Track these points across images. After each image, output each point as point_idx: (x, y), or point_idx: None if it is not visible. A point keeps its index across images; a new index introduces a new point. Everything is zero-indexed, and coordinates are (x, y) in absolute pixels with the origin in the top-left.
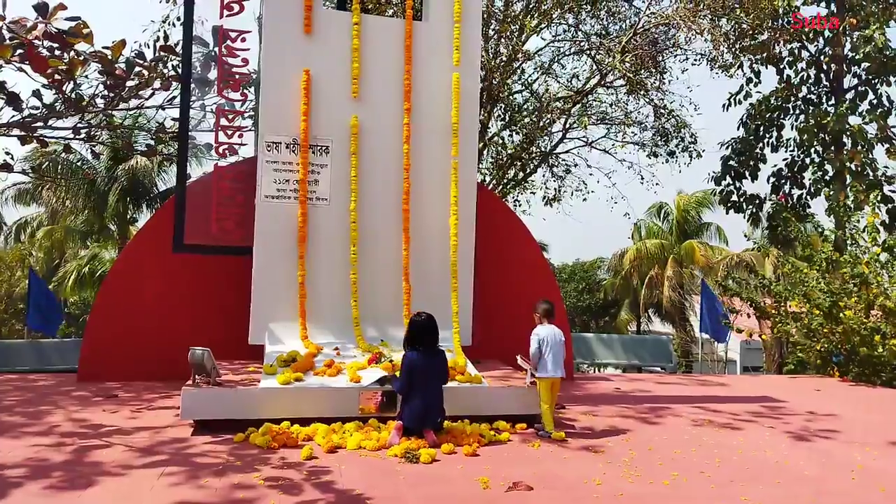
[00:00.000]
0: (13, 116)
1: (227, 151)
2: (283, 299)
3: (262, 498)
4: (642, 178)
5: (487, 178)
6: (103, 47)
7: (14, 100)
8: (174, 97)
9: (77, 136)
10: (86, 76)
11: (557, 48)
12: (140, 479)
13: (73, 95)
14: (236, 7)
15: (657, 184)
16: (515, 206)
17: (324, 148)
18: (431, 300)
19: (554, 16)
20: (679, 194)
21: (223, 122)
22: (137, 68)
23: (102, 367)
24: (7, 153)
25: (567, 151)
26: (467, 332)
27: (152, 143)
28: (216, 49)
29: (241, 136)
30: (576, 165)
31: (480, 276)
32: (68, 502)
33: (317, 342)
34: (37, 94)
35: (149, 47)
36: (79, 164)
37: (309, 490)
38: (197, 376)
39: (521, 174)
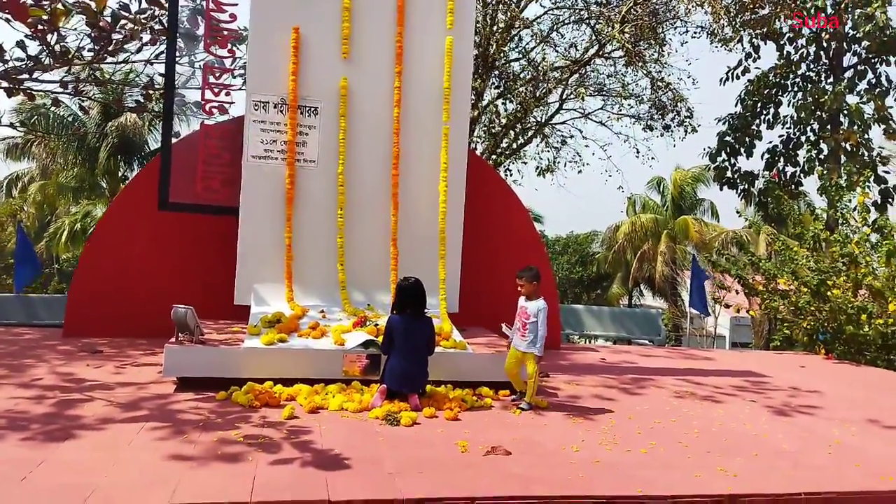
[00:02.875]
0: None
1: (214, 109)
2: (269, 261)
3: (240, 454)
4: (637, 152)
5: (480, 147)
6: None
7: None
8: (162, 52)
9: (65, 91)
10: (74, 28)
11: (556, 16)
12: (120, 433)
13: (59, 47)
14: None
15: (653, 158)
16: (507, 175)
17: (312, 109)
18: (419, 266)
19: None
20: (676, 170)
21: (210, 79)
22: (123, 21)
23: (88, 322)
24: None
25: (563, 122)
26: (454, 299)
27: (141, 99)
28: (203, 3)
29: (228, 94)
30: (571, 137)
31: (469, 243)
32: (45, 453)
33: (302, 304)
34: (20, 44)
35: (138, 2)
36: (69, 119)
37: (288, 448)
38: (180, 334)
39: (515, 144)
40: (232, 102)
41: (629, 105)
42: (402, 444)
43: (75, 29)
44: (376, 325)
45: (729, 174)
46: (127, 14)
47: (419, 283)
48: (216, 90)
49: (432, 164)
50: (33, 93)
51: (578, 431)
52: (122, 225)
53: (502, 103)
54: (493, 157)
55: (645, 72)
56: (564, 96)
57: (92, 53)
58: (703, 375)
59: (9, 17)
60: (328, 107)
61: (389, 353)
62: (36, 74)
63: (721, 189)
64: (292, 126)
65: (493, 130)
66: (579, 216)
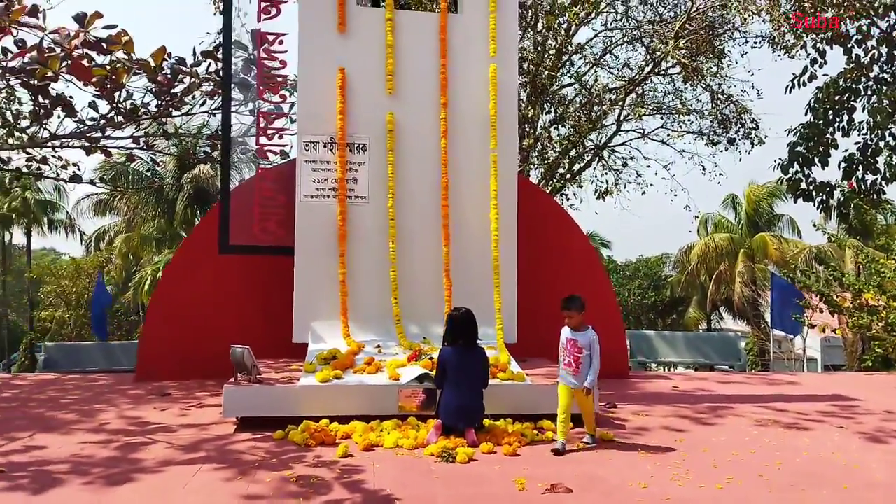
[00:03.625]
0: (76, 128)
1: (269, 154)
2: (325, 297)
3: (291, 495)
4: (704, 169)
5: (535, 175)
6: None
7: (69, 108)
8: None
9: (137, 146)
10: (140, 87)
11: (608, 38)
12: (176, 476)
13: (128, 105)
14: (273, 10)
15: (721, 174)
16: (563, 200)
17: (361, 146)
18: (473, 296)
19: (602, 5)
20: (750, 185)
21: (264, 124)
22: (181, 75)
23: (158, 366)
24: (74, 164)
25: (622, 144)
26: (511, 329)
27: (208, 149)
28: (255, 53)
29: (282, 137)
30: (632, 158)
31: (525, 270)
32: (103, 497)
33: (358, 340)
34: (92, 104)
35: (194, 55)
36: (148, 173)
37: (338, 489)
38: (238, 374)
39: (572, 169)
40: (285, 145)
41: (689, 121)
42: (456, 481)
43: (136, 87)
44: (431, 357)
45: (803, 186)
46: (184, 67)
47: (470, 312)
48: (270, 135)
49: (482, 192)
50: (109, 150)
51: (647, 465)
52: (187, 270)
53: (555, 129)
54: (550, 183)
55: (704, 86)
56: (622, 117)
57: (156, 109)
58: (786, 401)
59: (75, 79)
60: (376, 142)
61: (443, 386)
62: (109, 132)
63: (795, 202)
64: (342, 163)
65: (548, 157)
66: (647, 239)
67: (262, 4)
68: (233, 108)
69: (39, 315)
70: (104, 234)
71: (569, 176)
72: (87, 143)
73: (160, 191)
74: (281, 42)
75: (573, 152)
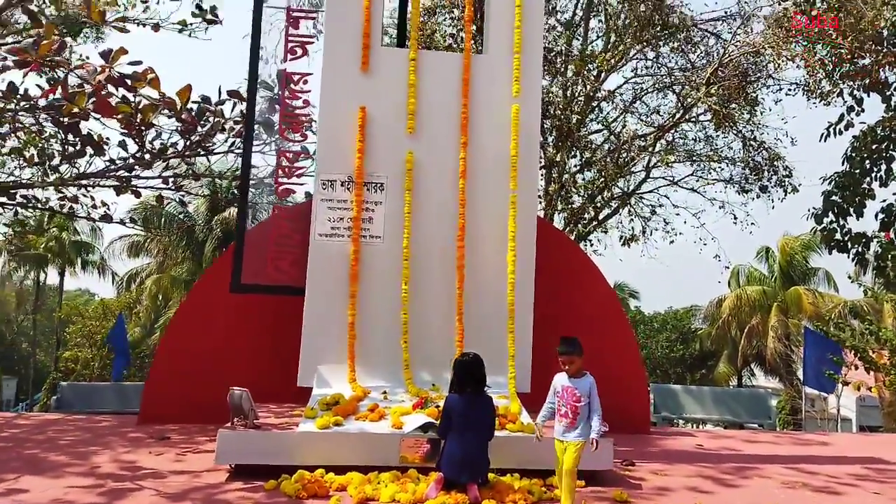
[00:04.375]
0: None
1: (288, 192)
2: (334, 340)
3: None
4: (735, 218)
5: (559, 220)
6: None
7: (97, 146)
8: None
9: (167, 186)
10: (168, 126)
11: (638, 85)
12: None
13: (157, 144)
14: (299, 51)
15: (752, 223)
16: (587, 245)
17: (378, 185)
18: (487, 342)
19: (632, 52)
20: (784, 237)
21: (284, 163)
22: (206, 114)
23: (162, 409)
24: (104, 204)
25: (651, 191)
26: (525, 378)
27: (236, 192)
28: (280, 93)
29: (300, 177)
30: (661, 206)
31: (542, 317)
32: None
33: (365, 385)
34: (122, 144)
35: (219, 95)
36: (180, 216)
37: None
38: (235, 418)
39: (599, 215)
40: (303, 184)
41: (720, 168)
42: None
43: (169, 127)
44: (437, 406)
45: (838, 236)
46: (209, 106)
47: (478, 358)
48: (290, 174)
49: (500, 234)
50: (138, 190)
51: None
52: (198, 312)
53: (581, 175)
54: (576, 229)
55: (735, 132)
56: (650, 164)
57: (182, 148)
58: (817, 463)
59: (99, 115)
60: (394, 182)
61: (447, 436)
62: (137, 171)
63: (830, 253)
64: (358, 202)
65: (573, 203)
66: (676, 290)
67: (290, 45)
68: (256, 149)
69: (64, 355)
70: (136, 276)
71: (595, 223)
72: (117, 183)
73: (191, 233)
74: (305, 82)
75: (599, 199)
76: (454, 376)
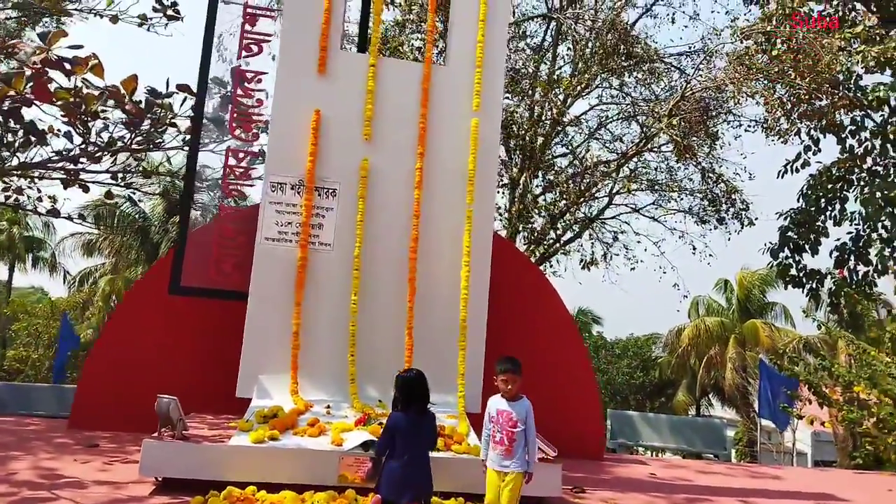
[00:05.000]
0: (49, 158)
1: (233, 192)
2: (277, 350)
3: None
4: (694, 249)
5: (521, 243)
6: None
7: (40, 136)
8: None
9: (115, 182)
10: (116, 119)
11: (603, 112)
12: None
13: (105, 137)
14: (255, 48)
15: (710, 255)
16: (547, 266)
17: (330, 191)
18: (437, 359)
19: (598, 80)
20: (742, 270)
21: (232, 162)
22: (154, 108)
23: (94, 414)
24: (51, 198)
25: (613, 217)
26: (475, 397)
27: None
28: (233, 90)
29: (248, 177)
30: (622, 232)
31: (495, 336)
32: None
33: (308, 398)
34: (67, 135)
35: (166, 87)
36: (135, 216)
37: None
38: (162, 428)
39: (561, 239)
40: (251, 185)
41: (679, 198)
42: None
43: (116, 120)
44: (381, 423)
45: (794, 272)
46: (155, 99)
47: (422, 374)
48: (238, 172)
49: (455, 248)
50: (87, 184)
51: None
52: (137, 314)
53: (543, 197)
54: (537, 251)
55: (695, 163)
56: (613, 191)
57: (128, 142)
58: (767, 497)
59: (37, 100)
60: (347, 189)
61: (388, 455)
62: (84, 164)
63: (785, 287)
64: (308, 207)
65: (534, 224)
66: (636, 316)
67: (245, 42)
68: (207, 147)
69: (8, 354)
70: (89, 276)
71: (557, 245)
72: (64, 176)
73: (146, 233)
74: (259, 81)
75: (561, 222)
76: (399, 393)
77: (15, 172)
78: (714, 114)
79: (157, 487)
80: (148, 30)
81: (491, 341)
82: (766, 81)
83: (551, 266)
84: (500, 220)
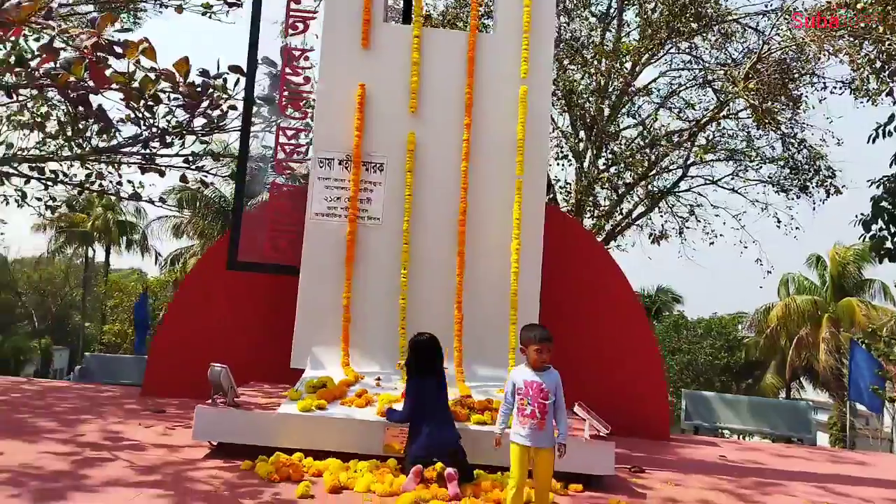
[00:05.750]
0: (119, 144)
1: (286, 169)
2: (328, 322)
3: None
4: (778, 222)
5: (589, 222)
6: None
7: (108, 121)
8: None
9: (187, 166)
10: (173, 105)
11: (675, 79)
12: (110, 499)
13: (170, 121)
14: (300, 26)
15: (797, 228)
16: (613, 244)
17: (377, 165)
18: (488, 332)
19: (667, 45)
20: (835, 246)
21: (283, 139)
22: (209, 89)
23: (163, 382)
24: (130, 182)
25: (688, 190)
26: None
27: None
28: (281, 69)
29: (298, 153)
30: (699, 205)
31: (549, 310)
32: None
33: (360, 370)
34: (136, 120)
35: (217, 68)
36: (216, 198)
37: None
38: (215, 395)
39: (632, 214)
40: (301, 162)
41: (756, 167)
42: None
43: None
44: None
45: (889, 245)
46: (210, 80)
47: (435, 338)
48: (288, 150)
49: (505, 220)
50: (161, 169)
51: None
52: (201, 288)
53: (609, 172)
54: (605, 226)
55: (773, 129)
56: (689, 162)
57: (186, 125)
58: (850, 484)
59: (94, 85)
60: (394, 162)
61: (414, 420)
62: (155, 149)
63: (880, 262)
64: (356, 182)
65: (599, 199)
66: (718, 295)
67: (291, 20)
68: (260, 126)
69: (104, 329)
70: (179, 257)
71: (628, 220)
72: (141, 161)
73: (226, 215)
74: (306, 58)
75: (630, 196)
76: (416, 358)
77: (92, 158)
78: (795, 76)
79: (211, 452)
80: (210, 17)
81: (547, 316)
82: (851, 38)
83: (615, 241)
84: (563, 194)
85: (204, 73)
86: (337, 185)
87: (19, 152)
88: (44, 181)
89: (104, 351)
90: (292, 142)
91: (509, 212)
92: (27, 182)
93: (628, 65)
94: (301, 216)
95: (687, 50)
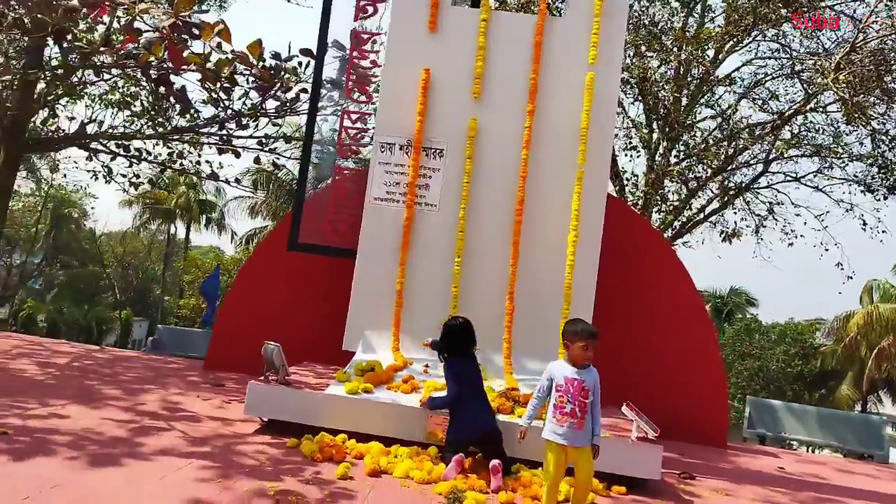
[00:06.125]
0: (195, 124)
1: (349, 153)
2: (381, 307)
3: None
4: (864, 224)
5: (657, 218)
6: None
7: (187, 102)
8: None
9: (260, 147)
10: (246, 87)
11: (760, 68)
12: (161, 467)
13: (246, 103)
14: (370, 9)
15: (883, 231)
16: (678, 238)
17: (437, 151)
18: (539, 325)
19: (754, 33)
20: None
21: (347, 123)
22: (282, 72)
23: (225, 357)
24: (208, 162)
25: (767, 186)
26: None
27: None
28: (349, 52)
29: (362, 137)
30: (779, 203)
31: (604, 306)
32: (72, 476)
33: (409, 356)
34: (214, 101)
35: (289, 51)
36: (290, 180)
37: None
38: (267, 372)
39: (705, 209)
40: (365, 146)
41: (842, 164)
42: None
43: (247, 87)
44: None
45: None
46: (282, 63)
47: (468, 322)
48: (352, 134)
49: (563, 211)
50: (237, 150)
51: None
52: (262, 267)
53: (681, 165)
54: (675, 221)
55: (863, 123)
56: (770, 156)
57: (259, 107)
58: None
59: (171, 65)
60: (454, 148)
61: (458, 405)
62: (231, 129)
63: None
64: (415, 167)
65: (667, 192)
66: (795, 299)
67: (361, 3)
68: (330, 110)
69: (180, 302)
70: (254, 236)
71: (700, 216)
72: (218, 142)
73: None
74: (374, 42)
75: (704, 191)
76: (452, 342)
77: (175, 138)
78: (893, 67)
79: (261, 427)
80: (289, 1)
81: (601, 312)
82: None
83: (682, 238)
84: (630, 186)
85: (276, 55)
86: (397, 170)
87: (109, 129)
88: (129, 157)
89: (180, 324)
90: (357, 125)
91: (568, 202)
92: (113, 159)
93: (710, 52)
94: (362, 200)
95: (774, 37)
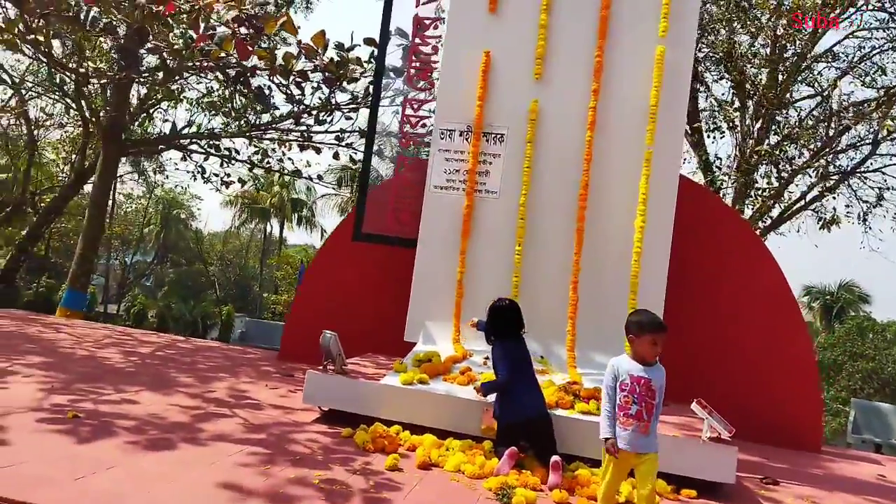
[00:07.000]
0: (272, 120)
1: (411, 141)
2: (442, 297)
3: (303, 498)
4: None
5: (749, 209)
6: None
7: (265, 100)
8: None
9: (338, 143)
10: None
11: (865, 40)
12: (215, 453)
13: (318, 100)
14: None
15: None
16: (777, 227)
17: (498, 136)
18: (605, 316)
19: (859, 2)
20: None
21: (409, 112)
22: (349, 64)
23: (297, 347)
24: (290, 159)
25: (876, 170)
26: None
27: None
28: (411, 39)
29: (423, 125)
30: (890, 188)
31: (677, 296)
32: (126, 458)
33: (469, 347)
34: (290, 98)
35: (351, 40)
36: (373, 178)
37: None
38: (325, 361)
39: (806, 196)
40: (428, 133)
41: None
42: None
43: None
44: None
45: None
46: (346, 55)
47: (515, 303)
48: (414, 122)
49: (630, 195)
50: (318, 146)
51: None
52: (332, 259)
53: (771, 146)
54: (770, 210)
55: None
56: (879, 137)
57: (327, 100)
58: None
59: (237, 57)
60: (515, 133)
61: (510, 388)
62: (310, 126)
63: None
64: (474, 154)
65: (757, 177)
66: None
67: None
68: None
69: (272, 298)
70: None
71: (798, 205)
72: (300, 139)
73: None
74: (436, 27)
75: (802, 177)
76: (498, 323)
77: (255, 134)
78: None
79: (320, 416)
80: None
81: (673, 304)
82: None
83: (769, 219)
84: (722, 172)
85: (339, 46)
86: (457, 157)
87: (200, 130)
88: (220, 156)
89: (275, 319)
90: (419, 113)
91: (636, 186)
92: (206, 158)
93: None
94: (423, 189)
95: (880, 5)
